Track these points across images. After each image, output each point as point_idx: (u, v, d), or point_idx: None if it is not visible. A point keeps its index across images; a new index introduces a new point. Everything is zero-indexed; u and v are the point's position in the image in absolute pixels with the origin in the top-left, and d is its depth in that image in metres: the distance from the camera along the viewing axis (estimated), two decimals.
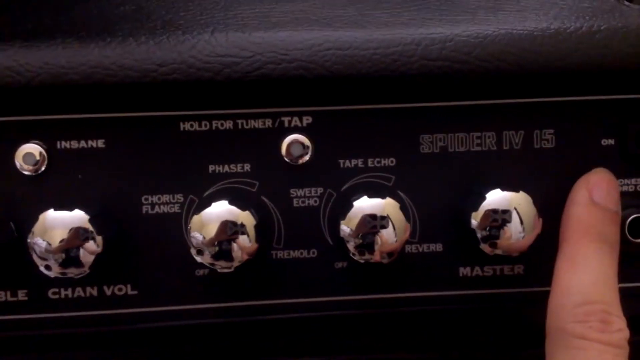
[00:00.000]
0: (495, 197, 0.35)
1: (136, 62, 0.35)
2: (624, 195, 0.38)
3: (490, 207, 0.35)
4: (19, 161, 0.36)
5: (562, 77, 0.36)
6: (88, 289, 0.37)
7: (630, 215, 0.37)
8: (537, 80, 0.36)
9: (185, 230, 0.37)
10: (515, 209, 0.35)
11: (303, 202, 0.38)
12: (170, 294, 0.38)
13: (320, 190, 0.38)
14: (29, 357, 0.38)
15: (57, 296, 0.37)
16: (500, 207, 0.35)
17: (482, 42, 0.35)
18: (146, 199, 0.37)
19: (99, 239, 0.34)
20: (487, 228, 0.35)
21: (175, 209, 0.37)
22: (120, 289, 0.38)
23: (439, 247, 0.38)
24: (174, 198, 0.37)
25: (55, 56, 0.35)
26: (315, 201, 0.38)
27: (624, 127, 0.38)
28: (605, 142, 0.38)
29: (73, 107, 0.36)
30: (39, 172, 0.36)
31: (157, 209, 0.37)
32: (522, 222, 0.35)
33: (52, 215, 0.34)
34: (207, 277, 0.38)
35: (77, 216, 0.34)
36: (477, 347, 0.40)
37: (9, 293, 0.37)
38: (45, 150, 0.36)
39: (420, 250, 0.38)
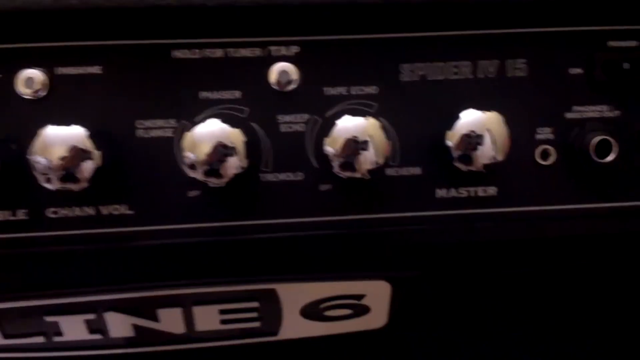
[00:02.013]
0: (469, 117, 0.38)
1: None
2: (590, 120, 0.41)
3: (464, 126, 0.37)
4: (20, 85, 0.38)
5: (532, 7, 0.38)
6: (85, 209, 0.40)
7: (596, 137, 0.39)
8: (507, 9, 0.38)
9: (177, 153, 0.39)
10: (487, 129, 0.37)
11: (290, 127, 0.40)
12: (163, 213, 0.40)
13: (306, 116, 0.40)
14: (28, 273, 0.40)
15: (55, 215, 0.39)
16: (475, 127, 0.37)
17: None
18: (140, 124, 0.39)
19: (97, 154, 0.36)
20: (462, 148, 0.38)
21: (169, 133, 0.39)
22: (116, 209, 0.40)
23: (417, 170, 0.41)
24: (167, 123, 0.39)
25: None
26: (302, 126, 0.40)
27: (591, 57, 0.40)
28: (574, 70, 0.40)
29: (72, 34, 0.38)
30: (39, 96, 0.38)
31: (151, 132, 0.39)
32: (494, 141, 0.37)
33: (51, 130, 0.36)
34: (199, 197, 0.40)
35: (76, 132, 0.36)
36: (453, 265, 0.43)
37: (9, 212, 0.39)
38: (46, 75, 0.38)
39: (400, 173, 0.41)
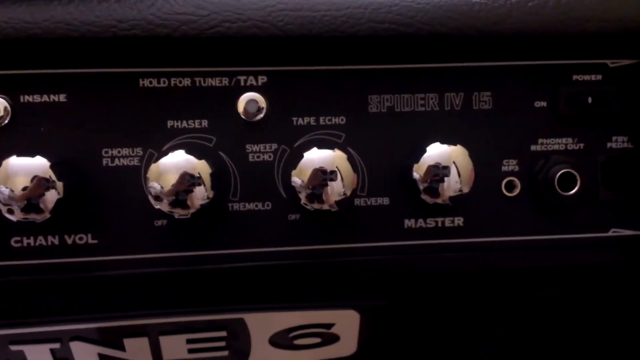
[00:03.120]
0: (435, 151, 0.38)
1: (97, 18, 0.36)
2: (555, 153, 0.41)
3: (430, 159, 0.38)
4: None
5: (498, 41, 0.38)
6: (50, 238, 0.39)
7: (560, 170, 0.40)
8: (474, 43, 0.38)
9: (144, 182, 0.39)
10: (453, 162, 0.38)
11: (258, 157, 0.40)
12: (129, 243, 0.39)
13: (274, 145, 0.40)
14: None
15: (19, 244, 0.39)
16: (440, 159, 0.38)
17: (425, 7, 0.38)
18: (106, 152, 0.39)
19: (59, 184, 0.36)
20: (428, 180, 0.38)
21: (135, 162, 0.39)
22: (80, 238, 0.39)
23: (385, 200, 0.41)
24: (133, 151, 0.39)
25: (19, 12, 0.36)
26: (270, 156, 0.40)
27: (556, 90, 0.41)
28: (539, 104, 0.41)
29: (36, 62, 0.38)
30: (3, 124, 0.38)
31: (116, 161, 0.39)
32: (459, 174, 0.38)
33: (14, 161, 0.35)
34: (166, 227, 0.39)
35: (39, 163, 0.35)
36: (421, 294, 0.43)
37: None
38: (9, 103, 0.38)
39: (369, 203, 0.41)
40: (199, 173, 0.37)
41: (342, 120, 0.40)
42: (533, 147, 0.41)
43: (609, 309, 0.49)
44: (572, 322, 0.49)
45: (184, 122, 0.39)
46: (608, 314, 0.49)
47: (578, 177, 0.40)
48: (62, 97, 0.38)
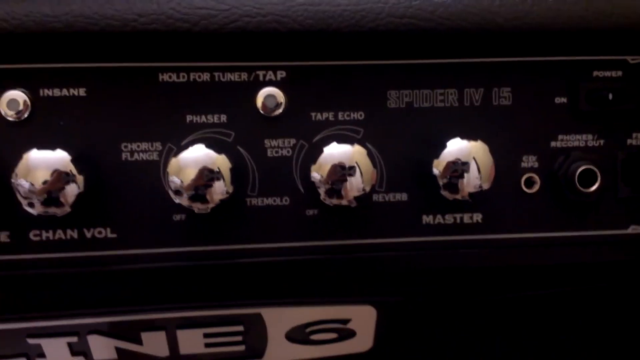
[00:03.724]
0: (456, 146, 0.38)
1: (117, 11, 0.36)
2: (575, 149, 0.41)
3: (450, 155, 0.37)
4: (2, 107, 0.38)
5: (518, 37, 0.38)
6: (69, 232, 0.39)
7: (580, 167, 0.39)
8: (494, 38, 0.38)
9: (163, 176, 0.39)
10: (473, 158, 0.38)
11: (277, 152, 0.40)
12: (148, 237, 0.39)
13: (293, 141, 0.40)
14: (11, 296, 0.40)
15: (38, 238, 0.39)
16: (460, 155, 0.37)
17: (445, 1, 0.38)
18: (125, 147, 0.39)
19: (80, 178, 0.36)
20: (448, 176, 0.38)
21: (154, 156, 0.39)
22: (100, 232, 0.39)
23: (404, 196, 0.41)
24: (152, 146, 0.39)
25: (39, 5, 0.36)
26: (288, 151, 0.40)
27: (576, 86, 0.41)
28: (559, 100, 0.41)
29: (56, 56, 0.38)
30: (22, 118, 0.38)
31: (136, 156, 0.39)
32: (479, 170, 0.38)
33: (34, 155, 0.35)
34: (184, 222, 0.39)
35: (60, 156, 0.36)
36: (438, 291, 0.43)
37: None
38: (29, 97, 0.38)
39: (387, 199, 0.41)
40: (218, 168, 0.37)
41: (360, 115, 0.40)
42: (553, 144, 0.41)
43: (627, 307, 0.48)
44: (589, 320, 0.49)
45: (203, 116, 0.39)
46: (625, 312, 0.49)
47: (598, 174, 0.40)
48: (81, 92, 0.38)
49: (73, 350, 0.44)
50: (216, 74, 0.39)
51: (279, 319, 0.44)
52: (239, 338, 0.45)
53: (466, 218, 0.41)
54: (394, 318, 0.46)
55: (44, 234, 0.39)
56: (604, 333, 0.50)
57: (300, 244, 0.40)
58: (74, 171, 0.36)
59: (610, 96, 0.40)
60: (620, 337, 0.50)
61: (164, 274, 0.40)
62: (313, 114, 0.40)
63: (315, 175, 0.38)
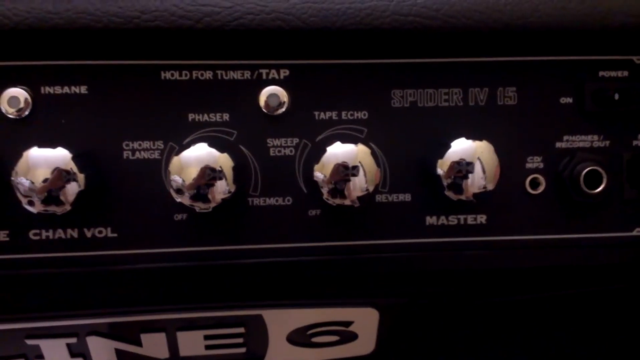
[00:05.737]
0: (460, 146, 0.37)
1: (120, 8, 0.36)
2: (580, 150, 0.40)
3: (455, 155, 0.37)
4: (3, 105, 0.37)
5: (523, 36, 0.38)
6: (69, 231, 0.39)
7: (586, 168, 0.39)
8: (500, 37, 0.38)
9: (164, 175, 0.39)
10: (478, 158, 0.37)
11: (279, 151, 0.40)
12: (148, 237, 0.39)
13: (295, 140, 0.40)
14: (9, 295, 0.39)
15: (38, 237, 0.38)
16: (465, 156, 0.37)
17: (450, 0, 0.38)
18: (127, 145, 0.39)
19: (80, 176, 0.35)
20: (452, 177, 0.38)
21: (156, 155, 0.39)
22: (100, 231, 0.39)
23: (407, 197, 0.40)
24: (154, 145, 0.39)
25: (41, 2, 0.36)
26: (291, 151, 0.40)
27: (582, 86, 0.40)
28: (564, 100, 0.40)
29: (58, 53, 0.38)
30: (23, 115, 0.38)
31: (137, 154, 0.39)
32: (484, 171, 0.37)
33: (35, 153, 0.35)
34: (186, 221, 0.39)
35: (60, 154, 0.35)
36: (441, 293, 0.42)
37: None
38: (30, 94, 0.38)
39: (390, 199, 0.40)
40: (220, 167, 0.36)
41: (364, 115, 0.40)
42: (558, 144, 0.40)
43: (632, 310, 0.48)
44: (595, 322, 0.48)
45: (205, 115, 0.39)
46: (631, 315, 0.48)
47: (604, 175, 0.39)
48: (83, 89, 0.38)
49: (72, 351, 0.44)
50: (219, 72, 0.39)
51: (280, 321, 0.44)
52: (240, 340, 0.44)
53: (470, 219, 0.41)
54: (397, 320, 0.45)
55: (44, 233, 0.39)
56: (610, 335, 0.49)
57: (302, 244, 0.40)
58: (75, 169, 0.36)
59: (616, 96, 0.40)
60: (626, 339, 0.49)
61: (165, 275, 0.40)
62: (316, 113, 0.40)
63: (318, 175, 0.37)
